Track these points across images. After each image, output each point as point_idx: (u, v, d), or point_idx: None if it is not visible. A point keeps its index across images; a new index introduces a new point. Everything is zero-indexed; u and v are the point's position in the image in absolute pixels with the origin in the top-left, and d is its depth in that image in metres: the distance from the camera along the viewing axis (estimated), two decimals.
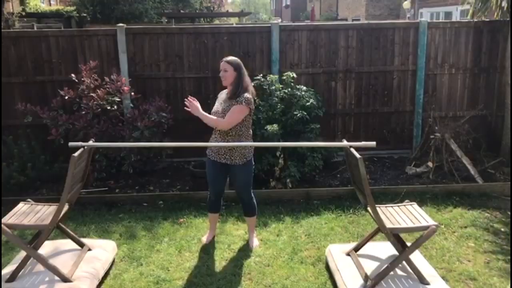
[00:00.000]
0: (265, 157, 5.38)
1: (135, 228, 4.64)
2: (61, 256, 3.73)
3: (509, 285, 3.59)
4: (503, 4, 6.06)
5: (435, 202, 5.16)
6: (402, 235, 3.66)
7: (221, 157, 3.95)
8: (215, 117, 3.86)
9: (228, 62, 3.87)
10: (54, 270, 3.44)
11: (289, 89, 5.80)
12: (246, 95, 3.82)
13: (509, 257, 3.97)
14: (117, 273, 3.82)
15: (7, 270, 3.55)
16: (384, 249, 3.84)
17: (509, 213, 4.89)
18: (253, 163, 4.08)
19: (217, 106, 3.98)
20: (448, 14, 13.02)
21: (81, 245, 3.89)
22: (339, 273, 3.58)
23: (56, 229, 3.81)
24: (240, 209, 4.47)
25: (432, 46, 6.44)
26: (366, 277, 3.44)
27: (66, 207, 3.61)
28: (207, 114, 3.85)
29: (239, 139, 3.87)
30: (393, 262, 3.47)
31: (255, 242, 4.26)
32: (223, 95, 4.05)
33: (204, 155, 4.19)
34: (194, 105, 3.84)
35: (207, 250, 4.16)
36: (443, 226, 4.59)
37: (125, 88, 5.75)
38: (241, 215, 4.63)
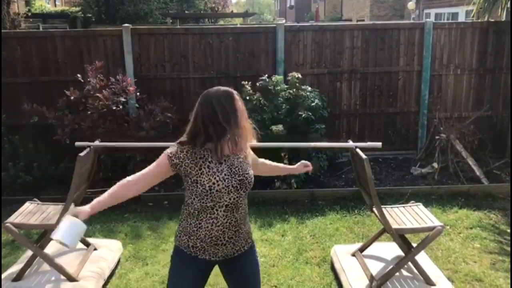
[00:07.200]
0: (269, 158, 5.37)
1: (140, 228, 4.65)
2: (67, 256, 3.75)
3: None
4: (508, 5, 6.04)
5: (440, 203, 5.15)
6: (408, 236, 3.66)
7: (224, 248, 2.28)
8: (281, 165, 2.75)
9: None
10: (60, 269, 3.46)
11: (294, 90, 5.80)
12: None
13: None
14: (122, 273, 3.84)
15: (13, 269, 3.58)
16: (389, 250, 3.83)
17: None
18: None
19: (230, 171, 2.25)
20: (454, 15, 12.98)
21: (87, 244, 3.91)
22: (344, 273, 3.58)
23: None
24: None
25: (438, 47, 6.42)
26: (371, 278, 3.44)
27: (72, 207, 3.62)
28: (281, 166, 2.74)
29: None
30: (399, 263, 3.46)
31: None
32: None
33: None
34: None
35: None
36: (448, 227, 4.58)
37: (131, 88, 5.76)
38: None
